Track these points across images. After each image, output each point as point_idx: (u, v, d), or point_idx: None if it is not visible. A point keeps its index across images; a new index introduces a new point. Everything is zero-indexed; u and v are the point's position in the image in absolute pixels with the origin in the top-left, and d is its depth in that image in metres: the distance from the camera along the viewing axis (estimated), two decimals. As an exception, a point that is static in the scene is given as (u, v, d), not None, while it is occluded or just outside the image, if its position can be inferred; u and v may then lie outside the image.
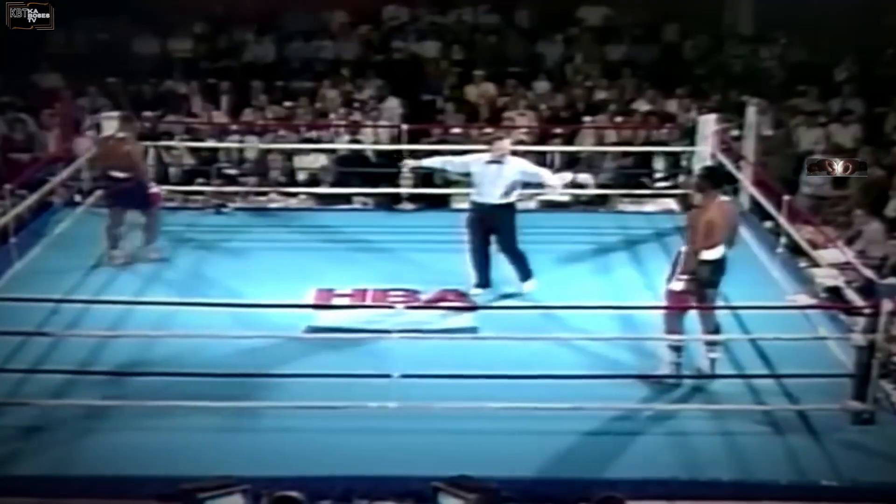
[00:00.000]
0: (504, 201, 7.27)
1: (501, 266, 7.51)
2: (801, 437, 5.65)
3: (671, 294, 6.14)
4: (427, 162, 7.98)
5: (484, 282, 7.50)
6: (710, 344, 6.17)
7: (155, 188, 8.34)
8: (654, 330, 6.29)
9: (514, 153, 7.57)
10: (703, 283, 6.05)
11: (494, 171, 7.25)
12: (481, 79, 12.45)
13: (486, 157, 7.35)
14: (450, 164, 7.74)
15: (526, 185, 7.54)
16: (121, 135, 8.18)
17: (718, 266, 6.09)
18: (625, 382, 6.05)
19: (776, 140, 10.71)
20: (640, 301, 7.07)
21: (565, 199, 9.83)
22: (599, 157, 10.79)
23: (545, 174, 7.60)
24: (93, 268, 7.95)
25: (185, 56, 13.44)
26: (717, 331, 6.20)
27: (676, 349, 6.14)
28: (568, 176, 7.50)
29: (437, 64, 13.13)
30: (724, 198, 6.36)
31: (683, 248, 6.13)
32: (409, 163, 8.32)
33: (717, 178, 6.42)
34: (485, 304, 7.15)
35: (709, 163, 8.92)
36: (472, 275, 7.50)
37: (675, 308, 6.09)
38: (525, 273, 7.50)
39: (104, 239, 8.12)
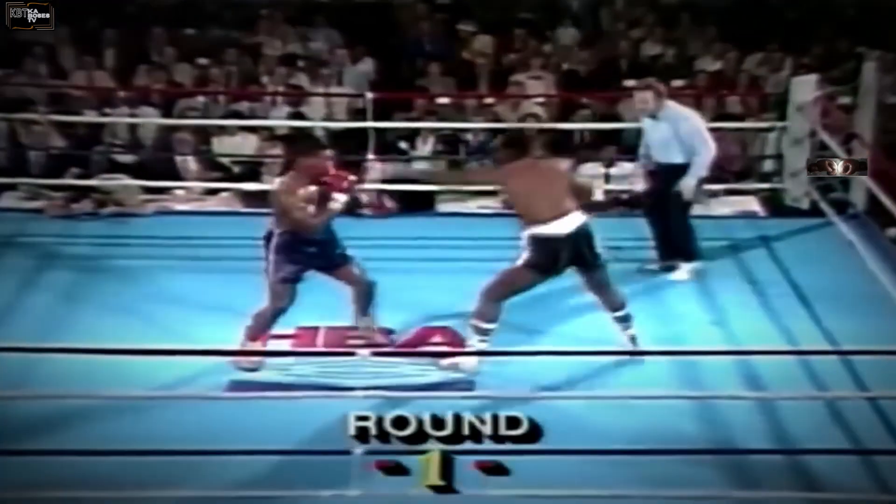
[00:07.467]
0: None
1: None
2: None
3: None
4: None
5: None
6: (623, 321, 7.15)
7: None
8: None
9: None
10: (543, 266, 6.92)
11: None
12: (477, 29, 12.50)
13: None
14: None
15: None
16: None
17: (557, 243, 6.85)
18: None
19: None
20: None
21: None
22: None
23: None
24: None
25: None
26: (622, 305, 7.18)
27: (484, 332, 6.96)
28: None
29: (415, 8, 13.16)
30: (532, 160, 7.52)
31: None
32: None
33: (512, 144, 7.73)
34: (483, 350, 7.11)
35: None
36: None
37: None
38: None
39: None
